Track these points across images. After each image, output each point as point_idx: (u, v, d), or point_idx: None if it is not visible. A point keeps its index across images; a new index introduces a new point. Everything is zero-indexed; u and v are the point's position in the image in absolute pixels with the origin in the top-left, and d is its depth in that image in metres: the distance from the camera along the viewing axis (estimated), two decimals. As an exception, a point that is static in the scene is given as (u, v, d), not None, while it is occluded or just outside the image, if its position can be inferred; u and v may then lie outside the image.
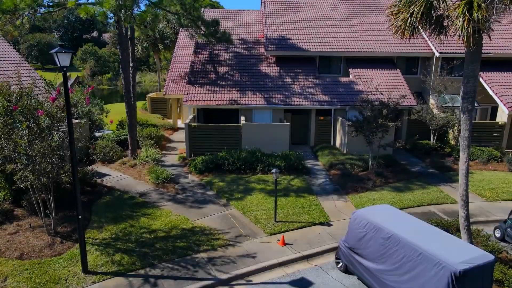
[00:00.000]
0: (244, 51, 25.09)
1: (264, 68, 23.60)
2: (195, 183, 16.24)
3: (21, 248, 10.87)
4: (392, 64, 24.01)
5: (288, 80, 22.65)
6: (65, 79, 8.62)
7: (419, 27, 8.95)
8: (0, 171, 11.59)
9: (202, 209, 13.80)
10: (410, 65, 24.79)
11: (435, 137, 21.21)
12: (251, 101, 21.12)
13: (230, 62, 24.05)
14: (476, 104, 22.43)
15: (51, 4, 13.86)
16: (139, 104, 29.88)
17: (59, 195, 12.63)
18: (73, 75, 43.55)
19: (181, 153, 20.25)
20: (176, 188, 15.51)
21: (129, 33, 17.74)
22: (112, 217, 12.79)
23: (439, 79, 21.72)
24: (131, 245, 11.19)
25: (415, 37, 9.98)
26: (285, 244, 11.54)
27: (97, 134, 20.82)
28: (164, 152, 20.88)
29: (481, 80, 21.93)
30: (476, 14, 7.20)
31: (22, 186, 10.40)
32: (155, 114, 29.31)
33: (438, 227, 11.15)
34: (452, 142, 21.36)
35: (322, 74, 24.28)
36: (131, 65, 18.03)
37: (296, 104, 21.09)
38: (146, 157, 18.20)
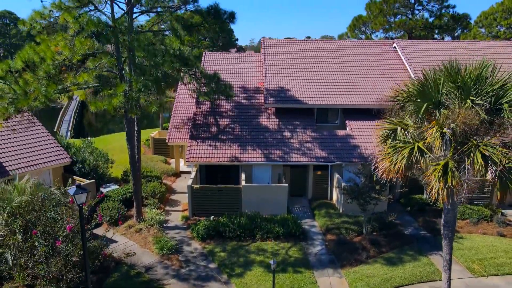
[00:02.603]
0: (245, 101, 25.94)
1: (263, 120, 24.44)
2: (197, 252, 17.09)
3: None
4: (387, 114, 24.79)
5: (287, 133, 23.48)
6: (81, 213, 9.48)
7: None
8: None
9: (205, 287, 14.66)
10: (405, 114, 25.62)
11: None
12: (251, 157, 21.96)
13: (231, 113, 24.90)
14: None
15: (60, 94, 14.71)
16: (142, 136, 30.61)
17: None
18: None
19: (184, 210, 21.12)
20: (180, 261, 16.36)
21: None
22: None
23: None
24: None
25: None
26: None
27: (103, 190, 21.66)
28: (167, 208, 21.73)
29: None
30: (450, 180, 8.02)
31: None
32: (158, 156, 30.14)
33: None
34: (445, 196, 22.14)
35: (320, 123, 25.16)
36: (136, 132, 18.85)
37: (295, 161, 21.93)
38: (151, 219, 19.05)
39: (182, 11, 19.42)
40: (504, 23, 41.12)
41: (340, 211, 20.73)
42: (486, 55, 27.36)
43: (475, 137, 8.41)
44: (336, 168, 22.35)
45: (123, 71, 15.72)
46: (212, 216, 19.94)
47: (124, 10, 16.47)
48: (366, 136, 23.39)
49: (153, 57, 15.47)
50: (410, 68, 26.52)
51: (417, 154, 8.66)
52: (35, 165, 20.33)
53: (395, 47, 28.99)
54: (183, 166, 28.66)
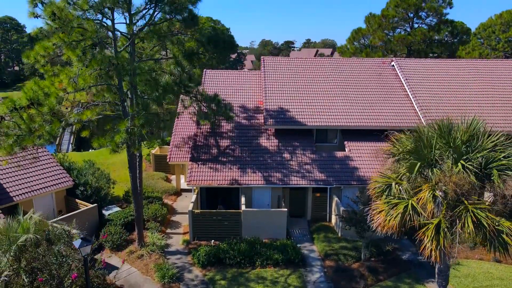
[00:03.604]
0: (245, 121, 26.23)
1: (263, 140, 24.73)
2: (198, 280, 17.39)
3: None
4: (386, 136, 25.05)
5: (287, 155, 23.77)
6: (86, 265, 9.79)
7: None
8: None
9: (205, 319, 14.95)
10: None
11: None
12: (251, 180, 22.25)
13: (231, 134, 25.19)
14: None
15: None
16: (143, 151, 30.85)
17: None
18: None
19: (185, 233, 21.43)
20: (181, 290, 16.66)
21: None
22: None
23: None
24: None
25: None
26: None
27: (105, 213, 21.95)
28: (168, 230, 22.04)
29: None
30: (442, 241, 8.32)
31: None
32: (159, 172, 30.42)
33: None
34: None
35: (319, 143, 25.49)
36: (137, 160, 19.14)
37: (294, 184, 22.22)
38: (153, 245, 19.35)
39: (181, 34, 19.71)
40: (502, 36, 41.42)
41: (339, 235, 21.02)
42: (484, 75, 27.80)
43: (467, 199, 8.71)
44: (335, 190, 22.64)
45: (126, 105, 16.01)
46: (213, 240, 20.25)
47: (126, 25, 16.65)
48: (364, 157, 23.68)
49: (155, 90, 15.78)
50: (408, 88, 26.80)
51: (411, 212, 8.96)
52: (38, 189, 20.62)
53: (393, 65, 29.28)
54: (183, 183, 28.93)
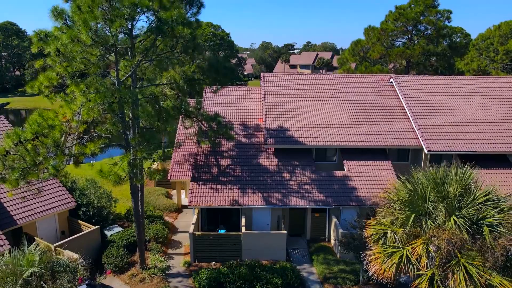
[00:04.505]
0: (245, 139, 26.54)
1: (263, 159, 25.04)
2: (199, 304, 17.70)
3: None
4: (384, 155, 25.40)
5: (286, 175, 24.07)
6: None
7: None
8: None
9: None
10: (401, 152, 26.24)
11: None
12: (251, 201, 22.55)
13: (231, 153, 25.50)
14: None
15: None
16: (144, 165, 31.19)
17: None
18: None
19: (186, 254, 21.74)
20: (182, 316, 16.97)
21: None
22: None
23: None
24: None
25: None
26: None
27: (107, 233, 22.25)
28: (170, 251, 22.35)
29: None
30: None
31: None
32: (160, 188, 30.71)
33: None
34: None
35: (318, 161, 25.82)
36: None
37: (293, 204, 22.52)
38: (154, 267, 19.67)
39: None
40: (500, 48, 41.70)
41: (338, 256, 21.32)
42: (481, 92, 28.07)
43: (460, 251, 8.99)
44: (334, 210, 22.94)
45: (128, 135, 16.33)
46: (213, 262, 20.57)
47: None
48: (363, 176, 24.00)
49: (156, 121, 16.09)
50: (406, 107, 27.09)
51: (405, 262, 9.25)
52: (41, 212, 20.92)
53: (392, 82, 29.58)
54: (184, 199, 29.25)
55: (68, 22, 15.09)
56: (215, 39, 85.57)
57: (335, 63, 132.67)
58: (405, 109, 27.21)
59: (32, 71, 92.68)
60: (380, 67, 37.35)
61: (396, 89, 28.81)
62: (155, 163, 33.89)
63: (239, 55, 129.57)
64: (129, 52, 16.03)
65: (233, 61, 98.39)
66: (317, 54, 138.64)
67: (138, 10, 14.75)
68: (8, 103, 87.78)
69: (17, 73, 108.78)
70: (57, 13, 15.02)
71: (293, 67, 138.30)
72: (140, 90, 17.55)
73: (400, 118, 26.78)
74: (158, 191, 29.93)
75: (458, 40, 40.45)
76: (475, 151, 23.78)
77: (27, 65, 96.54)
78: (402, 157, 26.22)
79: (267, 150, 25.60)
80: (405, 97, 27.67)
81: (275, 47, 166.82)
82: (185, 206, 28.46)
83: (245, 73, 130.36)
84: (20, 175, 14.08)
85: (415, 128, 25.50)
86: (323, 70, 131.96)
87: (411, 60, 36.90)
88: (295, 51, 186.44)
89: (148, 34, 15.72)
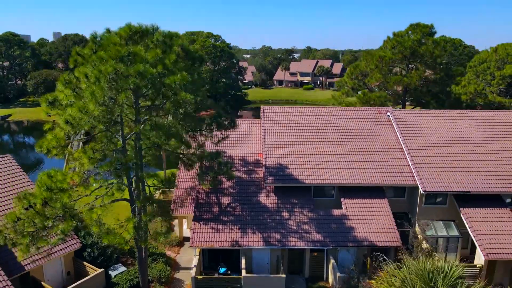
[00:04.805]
0: (245, 175, 27.21)
1: (263, 197, 25.70)
2: None
3: None
4: (381, 192, 26.05)
5: (285, 214, 24.73)
6: None
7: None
8: None
9: None
10: (398, 189, 26.86)
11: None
12: (251, 242, 23.22)
13: (232, 190, 26.17)
14: (457, 233, 24.53)
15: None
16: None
17: None
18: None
19: (188, 295, 22.43)
20: None
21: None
22: None
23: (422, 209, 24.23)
24: None
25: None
26: None
27: (111, 274, 22.91)
28: (172, 291, 23.05)
29: (461, 215, 24.03)
30: None
31: None
32: (161, 217, 31.29)
33: None
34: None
35: (317, 197, 26.44)
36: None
37: (292, 245, 23.18)
38: (157, 312, 20.37)
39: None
40: (497, 73, 42.31)
41: (335, 298, 22.00)
42: (477, 127, 28.70)
43: None
44: (332, 251, 23.59)
45: (133, 195, 17.01)
46: (215, 305, 21.25)
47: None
48: (360, 215, 24.67)
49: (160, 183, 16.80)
50: (402, 142, 27.70)
51: None
52: (48, 255, 21.56)
53: (389, 116, 30.21)
54: (186, 230, 29.89)
55: (76, 90, 15.74)
56: (215, 51, 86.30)
57: (335, 70, 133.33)
58: (401, 145, 27.83)
59: (33, 82, 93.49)
60: (379, 93, 37.99)
61: (393, 123, 29.43)
62: (157, 192, 34.54)
63: (240, 63, 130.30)
64: (134, 116, 16.68)
65: (234, 70, 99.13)
66: (317, 62, 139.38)
67: (145, 80, 15.34)
68: (10, 115, 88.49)
69: (19, 82, 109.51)
70: (66, 83, 15.67)
71: (293, 74, 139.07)
72: (143, 142, 18.26)
73: (397, 154, 27.41)
74: (160, 222, 30.47)
75: (455, 67, 41.15)
76: (469, 191, 24.42)
77: (28, 76, 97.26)
78: (399, 194, 26.85)
79: (267, 187, 26.25)
80: (401, 133, 28.30)
81: (275, 50, 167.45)
82: (187, 239, 29.09)
83: (245, 81, 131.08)
84: (30, 241, 14.72)
85: (411, 167, 26.12)
86: (323, 78, 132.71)
87: (408, 86, 37.58)
88: (295, 55, 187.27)
89: (152, 99, 16.38)
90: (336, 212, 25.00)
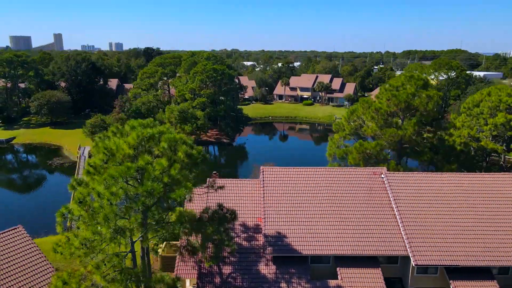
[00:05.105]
0: (245, 242, 28.52)
1: (262, 267, 27.01)
2: None
3: None
4: (376, 261, 27.34)
5: (283, 285, 26.03)
6: None
7: None
8: None
9: None
10: (392, 256, 28.14)
11: None
12: (251, 316, 24.57)
13: (233, 259, 27.47)
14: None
15: None
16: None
17: None
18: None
19: None
20: None
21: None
22: None
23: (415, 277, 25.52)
24: None
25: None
26: None
27: None
28: None
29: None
30: None
31: None
32: (166, 274, 32.59)
33: None
34: None
35: (313, 263, 27.74)
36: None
37: (290, 320, 24.53)
38: None
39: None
40: (490, 121, 43.58)
41: None
42: (469, 189, 29.96)
43: None
44: (328, 323, 24.91)
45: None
46: None
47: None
48: (355, 286, 25.94)
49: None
50: (396, 210, 28.99)
51: None
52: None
53: (383, 178, 31.51)
54: (188, 287, 31.20)
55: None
56: (216, 75, 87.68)
57: (334, 85, 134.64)
58: (394, 211, 29.12)
59: (37, 104, 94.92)
60: (374, 143, 39.27)
61: (387, 186, 30.70)
62: (161, 247, 35.80)
63: (240, 78, 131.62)
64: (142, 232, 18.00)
65: (233, 93, 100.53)
66: (317, 77, 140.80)
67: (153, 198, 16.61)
68: (14, 137, 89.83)
69: (21, 100, 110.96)
70: (80, 202, 17.00)
71: (293, 89, 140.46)
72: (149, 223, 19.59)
73: (390, 221, 28.68)
74: (166, 276, 31.78)
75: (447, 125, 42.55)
76: (458, 265, 25.70)
77: (32, 97, 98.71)
78: (393, 261, 28.14)
79: (267, 256, 27.56)
80: (394, 199, 29.57)
81: (276, 51, 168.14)
82: (189, 298, 30.42)
83: (246, 97, 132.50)
84: None
85: (403, 237, 27.40)
86: (323, 94, 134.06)
87: (403, 138, 38.88)
88: (294, 63, 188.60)
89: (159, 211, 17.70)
90: (332, 283, 26.29)
